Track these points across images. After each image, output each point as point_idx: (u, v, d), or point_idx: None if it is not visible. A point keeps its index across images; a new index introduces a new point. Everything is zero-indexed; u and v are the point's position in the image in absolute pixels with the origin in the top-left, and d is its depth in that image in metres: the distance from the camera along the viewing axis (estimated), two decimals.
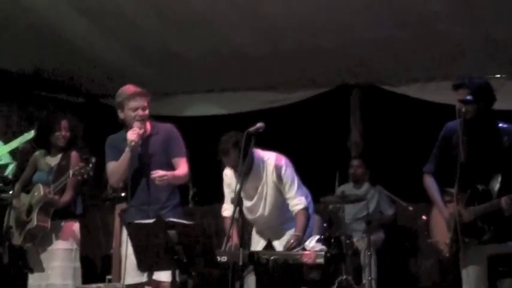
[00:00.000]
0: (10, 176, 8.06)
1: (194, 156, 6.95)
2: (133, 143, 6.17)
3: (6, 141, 8.09)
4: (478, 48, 8.14)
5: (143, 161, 6.39)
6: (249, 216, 6.83)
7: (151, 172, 6.18)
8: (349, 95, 9.92)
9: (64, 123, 7.01)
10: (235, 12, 8.16)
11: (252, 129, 6.06)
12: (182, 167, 6.45)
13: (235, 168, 6.48)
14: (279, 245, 6.57)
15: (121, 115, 6.41)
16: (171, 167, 6.44)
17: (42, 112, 9.37)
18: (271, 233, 6.77)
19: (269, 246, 6.56)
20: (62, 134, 6.98)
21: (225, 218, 6.76)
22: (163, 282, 6.44)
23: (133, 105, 6.30)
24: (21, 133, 7.92)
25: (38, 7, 8.46)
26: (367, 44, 8.39)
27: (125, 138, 6.35)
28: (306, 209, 6.57)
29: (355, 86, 9.87)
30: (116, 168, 6.44)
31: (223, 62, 9.30)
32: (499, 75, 6.58)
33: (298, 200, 6.56)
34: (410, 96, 9.31)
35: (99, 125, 9.14)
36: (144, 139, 6.38)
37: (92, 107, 10.52)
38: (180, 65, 9.50)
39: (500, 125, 5.89)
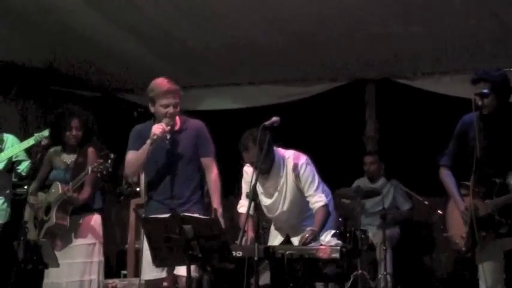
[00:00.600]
0: (24, 173, 8.12)
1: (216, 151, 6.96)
2: (155, 137, 6.18)
3: (22, 139, 8.11)
4: (493, 41, 8.09)
5: (170, 156, 6.41)
6: (269, 214, 6.84)
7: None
8: (364, 89, 9.89)
9: (74, 122, 7.02)
10: (250, 5, 8.13)
11: (267, 123, 6.09)
12: (213, 169, 6.51)
13: (253, 164, 6.45)
14: (297, 241, 6.56)
15: (152, 109, 6.44)
16: (198, 163, 6.51)
17: (56, 109, 9.44)
18: (290, 229, 6.76)
19: (287, 242, 6.55)
20: (72, 133, 7.00)
21: (240, 214, 6.73)
22: (183, 276, 6.47)
23: (165, 102, 6.32)
24: (37, 128, 7.96)
25: (53, 2, 8.48)
26: (382, 38, 8.37)
27: (150, 130, 6.37)
28: (326, 206, 6.55)
29: (370, 80, 9.84)
30: (134, 158, 6.47)
31: (238, 56, 9.30)
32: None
33: (318, 197, 6.53)
34: (425, 89, 9.26)
35: (115, 119, 9.17)
36: (173, 134, 6.41)
37: (108, 102, 10.52)
38: (195, 58, 9.50)
39: None
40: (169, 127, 6.25)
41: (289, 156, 6.57)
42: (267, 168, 6.49)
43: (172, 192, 6.42)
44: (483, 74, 5.83)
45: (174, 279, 6.63)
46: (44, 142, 7.50)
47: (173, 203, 6.35)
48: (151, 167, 6.46)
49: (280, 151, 6.64)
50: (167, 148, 6.38)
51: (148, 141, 6.22)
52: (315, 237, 6.38)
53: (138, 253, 7.50)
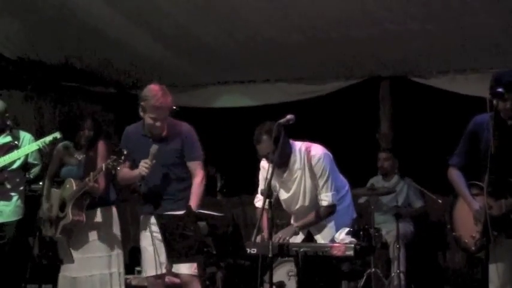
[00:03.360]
0: (32, 177, 8.15)
1: (222, 148, 6.99)
2: (143, 174, 6.42)
3: (36, 135, 8.15)
4: (509, 40, 8.08)
5: (159, 159, 6.50)
6: (288, 209, 6.84)
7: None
8: (379, 86, 9.89)
9: (87, 123, 7.08)
10: (266, 4, 8.20)
11: (282, 120, 6.12)
12: (198, 173, 6.65)
13: (267, 157, 6.45)
14: (321, 238, 6.59)
15: (141, 113, 6.59)
16: (185, 166, 6.65)
17: (70, 105, 9.50)
18: (312, 226, 6.73)
19: (309, 240, 6.56)
20: (85, 134, 7.06)
21: (257, 208, 6.75)
22: (182, 274, 6.55)
23: (154, 116, 6.48)
24: (53, 122, 8.00)
25: (72, 3, 8.60)
26: (397, 36, 8.40)
27: (141, 134, 6.68)
28: (329, 206, 6.54)
29: (384, 78, 9.85)
30: (124, 178, 6.77)
31: (254, 53, 9.35)
32: None
33: (324, 196, 6.54)
34: (440, 88, 9.26)
35: (129, 115, 9.18)
36: (162, 139, 6.58)
37: (123, 98, 10.57)
38: (211, 56, 9.54)
39: None
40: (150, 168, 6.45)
41: (307, 147, 6.55)
42: (283, 161, 6.50)
43: (163, 191, 6.58)
44: (500, 71, 5.86)
45: (175, 276, 6.73)
46: (47, 149, 7.57)
47: (163, 201, 6.54)
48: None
49: (298, 144, 6.62)
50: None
51: (136, 175, 6.50)
52: (292, 235, 6.50)
53: None
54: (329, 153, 6.64)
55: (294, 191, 6.65)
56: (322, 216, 6.55)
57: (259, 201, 6.75)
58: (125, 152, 6.56)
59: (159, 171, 6.57)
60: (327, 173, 6.55)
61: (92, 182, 6.73)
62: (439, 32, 8.20)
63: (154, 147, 6.40)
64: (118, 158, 6.56)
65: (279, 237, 6.43)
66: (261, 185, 6.75)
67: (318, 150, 6.59)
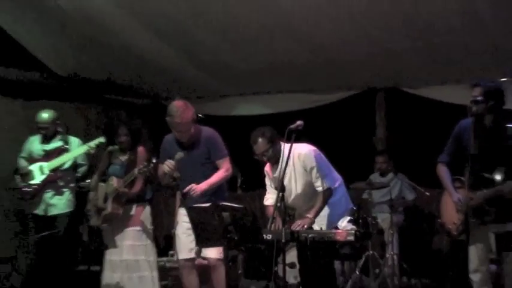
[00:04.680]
0: (80, 175, 8.21)
1: (242, 150, 7.02)
2: (165, 171, 6.52)
3: (85, 142, 8.20)
4: (485, 56, 8.07)
5: (189, 160, 6.59)
6: (286, 200, 6.81)
7: (190, 188, 6.48)
8: (375, 97, 9.90)
9: (121, 130, 7.17)
10: (281, 30, 8.23)
11: (292, 126, 6.13)
12: (223, 166, 6.72)
13: (261, 155, 6.55)
14: (316, 225, 6.57)
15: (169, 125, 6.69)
16: (211, 165, 6.72)
17: (112, 115, 9.54)
18: (307, 211, 6.70)
19: (309, 227, 6.58)
20: (121, 139, 7.14)
21: (267, 206, 6.79)
22: (210, 258, 6.58)
23: (175, 131, 6.64)
24: (98, 129, 8.05)
25: (113, 27, 8.62)
26: (390, 53, 8.37)
27: (175, 141, 6.75)
28: (326, 190, 6.55)
29: (380, 89, 9.85)
30: (162, 176, 6.75)
31: (269, 69, 9.31)
32: (504, 78, 6.53)
33: (319, 183, 6.55)
34: (427, 97, 9.26)
35: (163, 123, 9.21)
36: (190, 144, 6.67)
37: (157, 108, 10.60)
38: (231, 72, 9.55)
39: (509, 125, 5.89)
40: (181, 157, 6.50)
41: (296, 147, 6.48)
42: (275, 157, 6.54)
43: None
44: (480, 81, 5.88)
45: (204, 260, 6.75)
46: (92, 151, 7.63)
47: (193, 196, 6.54)
48: (180, 171, 6.63)
49: (287, 145, 6.45)
50: (187, 158, 6.55)
51: (162, 173, 6.62)
52: (310, 225, 6.46)
53: None
54: (315, 148, 6.66)
55: (286, 183, 6.53)
56: (324, 200, 6.56)
57: (267, 200, 6.84)
58: (154, 160, 6.72)
59: (190, 171, 6.63)
60: (315, 164, 6.55)
61: (123, 187, 6.83)
62: (426, 49, 8.18)
63: (179, 154, 6.48)
64: (148, 164, 6.66)
65: (298, 224, 6.45)
66: (268, 185, 6.83)
67: (303, 148, 6.61)
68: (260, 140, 6.49)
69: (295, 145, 6.41)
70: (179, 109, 6.55)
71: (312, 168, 6.55)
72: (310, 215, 6.52)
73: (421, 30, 7.78)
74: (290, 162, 6.48)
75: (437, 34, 7.83)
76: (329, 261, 6.55)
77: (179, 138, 6.67)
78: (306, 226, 6.41)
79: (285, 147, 6.41)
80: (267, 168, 6.80)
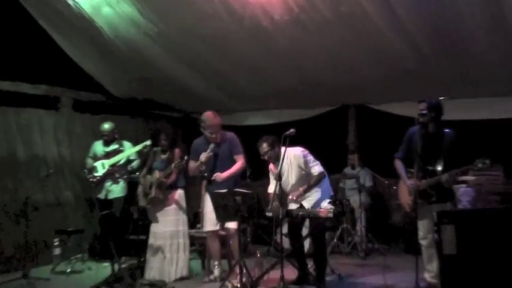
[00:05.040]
0: (135, 167, 8.20)
1: (250, 149, 7.00)
2: (203, 161, 6.63)
3: (134, 144, 8.23)
4: (429, 82, 8.01)
5: (218, 156, 6.69)
6: (285, 188, 6.81)
7: (215, 176, 6.61)
8: (348, 111, 9.87)
9: (162, 136, 7.15)
10: (279, 64, 8.28)
11: (287, 133, 6.16)
12: (239, 161, 6.78)
13: (264, 155, 6.56)
14: (306, 204, 6.56)
15: (202, 130, 6.75)
16: (233, 160, 6.76)
17: (154, 125, 9.51)
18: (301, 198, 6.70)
19: (301, 206, 6.56)
20: (162, 143, 7.12)
21: (269, 193, 6.73)
22: (232, 228, 6.57)
23: (210, 131, 6.67)
24: (144, 138, 8.05)
25: (158, 63, 8.63)
26: (360, 78, 8.32)
27: (204, 143, 6.75)
28: (319, 174, 6.53)
29: (351, 105, 9.81)
30: (192, 168, 6.82)
31: (269, 92, 9.32)
32: (441, 97, 6.50)
33: (313, 169, 6.55)
34: (386, 111, 9.22)
35: (191, 131, 9.24)
36: (218, 144, 6.70)
37: (186, 120, 10.59)
38: (243, 94, 9.54)
39: (445, 129, 5.88)
40: (210, 154, 6.63)
41: (291, 149, 6.50)
42: (276, 157, 6.53)
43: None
44: (425, 99, 5.91)
45: (227, 231, 6.73)
46: (146, 149, 7.62)
47: (215, 183, 6.61)
48: (210, 163, 6.71)
49: (285, 147, 6.49)
50: (216, 152, 6.68)
51: (199, 164, 6.68)
52: (300, 195, 6.52)
53: None
54: (304, 149, 6.63)
55: (285, 177, 6.64)
56: (317, 179, 6.54)
57: (270, 188, 6.76)
58: (186, 158, 6.77)
59: (217, 163, 6.71)
60: (306, 159, 6.54)
61: (162, 178, 6.84)
62: (386, 76, 8.12)
63: (211, 146, 6.63)
64: (181, 161, 6.71)
65: (293, 195, 6.56)
66: (271, 179, 6.80)
67: (297, 150, 6.59)
68: (263, 144, 6.54)
69: (290, 148, 6.43)
70: (211, 116, 6.68)
71: (305, 162, 6.53)
72: (301, 189, 6.53)
73: (383, 60, 7.75)
74: (288, 161, 6.52)
75: (393, 65, 7.81)
76: (321, 233, 6.53)
77: (211, 139, 6.69)
78: (295, 197, 6.51)
79: (284, 150, 6.41)
80: (271, 166, 6.79)
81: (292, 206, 6.62)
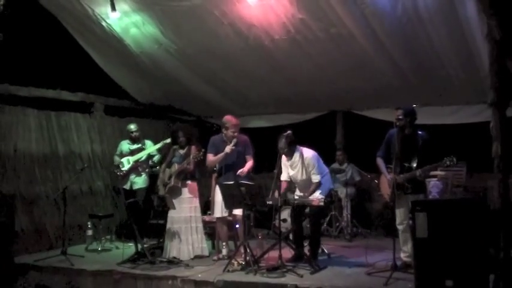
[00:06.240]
0: (156, 162, 8.21)
1: (255, 148, 7.01)
2: (228, 152, 6.56)
3: (155, 143, 8.25)
4: (401, 91, 8.04)
5: (234, 154, 6.65)
6: (295, 180, 6.72)
7: (239, 171, 6.54)
8: (336, 115, 9.86)
9: (180, 134, 7.14)
10: (277, 75, 8.27)
11: (285, 133, 6.15)
12: (250, 161, 6.74)
13: (280, 149, 6.41)
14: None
15: (224, 131, 6.70)
16: (243, 160, 6.73)
17: (172, 127, 9.51)
18: (305, 191, 6.63)
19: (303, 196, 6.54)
20: (180, 140, 7.10)
21: (282, 181, 6.53)
22: (238, 215, 6.57)
23: (233, 130, 6.63)
24: (164, 138, 8.08)
25: (176, 75, 8.65)
26: (347, 88, 8.36)
27: (222, 140, 6.69)
28: (317, 183, 6.46)
29: (338, 111, 9.79)
30: (212, 160, 6.75)
31: (269, 99, 9.34)
32: (415, 105, 6.51)
33: (314, 177, 6.48)
34: (369, 116, 9.20)
35: (203, 133, 9.24)
36: (235, 144, 6.64)
37: (199, 123, 10.59)
38: (247, 100, 9.52)
39: (418, 132, 5.88)
40: (233, 147, 6.57)
41: (304, 150, 6.51)
42: (290, 154, 6.47)
43: (228, 171, 6.63)
44: (401, 107, 5.93)
45: (234, 217, 6.72)
46: (166, 145, 7.63)
47: (225, 176, 6.62)
48: (225, 161, 6.65)
49: (299, 147, 6.52)
50: (234, 151, 6.60)
51: (223, 154, 6.59)
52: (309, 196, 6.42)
53: None
54: (315, 153, 6.58)
55: (296, 171, 6.58)
56: (315, 188, 6.46)
57: (284, 177, 6.64)
58: (203, 151, 6.75)
59: (233, 160, 6.66)
60: (314, 164, 6.48)
61: (186, 164, 6.83)
62: (368, 87, 8.16)
63: (234, 140, 6.58)
64: (199, 153, 6.71)
65: (305, 195, 6.46)
66: (283, 169, 6.66)
67: (308, 152, 6.56)
68: (283, 140, 6.38)
69: (305, 149, 6.45)
70: (232, 118, 6.72)
71: (312, 167, 6.47)
72: (306, 194, 6.48)
73: (365, 74, 7.77)
74: (300, 159, 6.48)
75: (374, 78, 7.83)
76: (318, 219, 6.54)
77: (232, 137, 6.62)
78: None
79: (299, 149, 6.46)
80: (284, 159, 6.59)
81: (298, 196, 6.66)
